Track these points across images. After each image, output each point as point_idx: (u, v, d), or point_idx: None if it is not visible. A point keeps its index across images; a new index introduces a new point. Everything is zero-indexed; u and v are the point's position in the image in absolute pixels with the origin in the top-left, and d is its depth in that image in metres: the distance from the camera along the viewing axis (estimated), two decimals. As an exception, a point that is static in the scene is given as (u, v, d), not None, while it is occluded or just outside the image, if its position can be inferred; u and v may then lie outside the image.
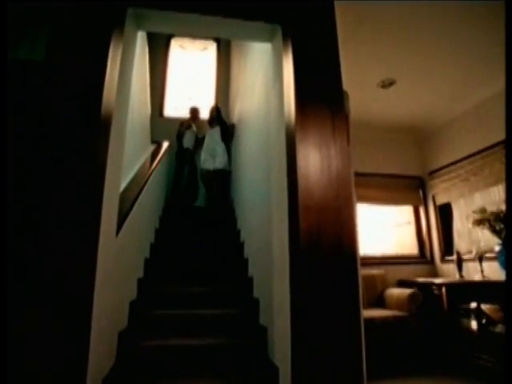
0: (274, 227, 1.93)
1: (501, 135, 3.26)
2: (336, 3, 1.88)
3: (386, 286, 3.77)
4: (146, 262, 2.79)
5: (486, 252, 3.37)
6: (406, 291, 3.36)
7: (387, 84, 3.31)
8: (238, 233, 3.61)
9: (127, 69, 1.90)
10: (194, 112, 5.09)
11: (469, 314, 2.91)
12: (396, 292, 3.53)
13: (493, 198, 3.41)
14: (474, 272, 3.47)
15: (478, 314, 2.82)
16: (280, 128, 1.84)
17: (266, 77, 2.50)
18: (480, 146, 3.60)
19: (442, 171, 4.16)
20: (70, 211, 1.25)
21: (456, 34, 2.67)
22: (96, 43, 1.50)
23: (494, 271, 3.25)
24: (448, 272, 3.93)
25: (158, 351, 1.88)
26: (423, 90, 3.48)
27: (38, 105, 1.34)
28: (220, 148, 4.54)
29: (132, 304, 2.21)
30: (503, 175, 3.19)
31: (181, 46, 6.25)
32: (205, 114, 5.15)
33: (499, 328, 2.62)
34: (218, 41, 6.31)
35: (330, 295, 1.37)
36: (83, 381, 1.19)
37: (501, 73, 3.08)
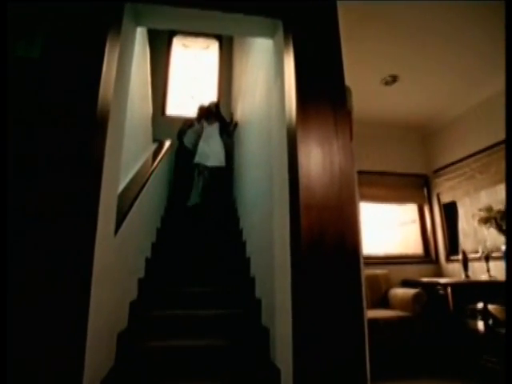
0: (275, 226, 1.90)
1: (507, 132, 3.20)
2: (339, 2, 1.85)
3: (390, 285, 3.73)
4: (147, 261, 2.77)
5: (492, 251, 3.31)
6: (411, 291, 3.31)
7: (390, 81, 3.26)
8: (240, 232, 3.58)
9: (126, 66, 1.87)
10: (202, 110, 4.99)
11: (475, 314, 2.85)
12: (400, 292, 3.48)
13: (499, 196, 3.35)
14: (480, 272, 3.41)
15: (485, 314, 2.76)
16: (281, 125, 1.81)
17: (268, 74, 2.47)
18: (486, 144, 3.54)
19: (447, 169, 4.10)
20: (65, 210, 1.22)
21: (461, 29, 2.62)
22: (92, 39, 1.47)
23: (500, 271, 3.19)
24: (453, 272, 3.88)
25: (158, 352, 1.85)
26: (427, 87, 3.42)
27: (31, 103, 1.31)
28: (218, 145, 4.51)
29: (132, 304, 2.18)
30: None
31: (183, 45, 6.22)
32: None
33: (506, 329, 2.56)
34: (220, 39, 6.28)
35: (332, 295, 1.33)
36: (79, 382, 1.16)
37: (507, 69, 3.02)
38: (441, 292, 3.17)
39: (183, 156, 4.72)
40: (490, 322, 2.72)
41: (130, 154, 2.65)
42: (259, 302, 2.28)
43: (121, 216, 1.93)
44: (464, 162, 3.83)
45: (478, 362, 2.74)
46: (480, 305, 2.84)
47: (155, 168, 3.21)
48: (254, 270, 2.66)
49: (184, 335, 2.04)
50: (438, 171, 4.27)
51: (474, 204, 3.67)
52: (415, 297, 3.20)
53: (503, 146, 3.32)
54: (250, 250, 2.99)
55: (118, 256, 1.85)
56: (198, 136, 4.76)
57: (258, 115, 2.91)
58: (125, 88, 1.90)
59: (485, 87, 3.40)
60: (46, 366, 1.11)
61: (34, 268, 1.15)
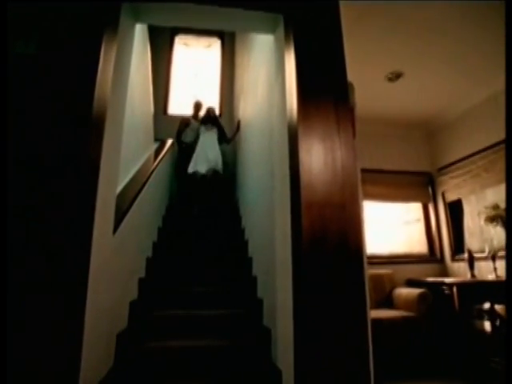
0: (276, 225, 1.87)
1: (514, 129, 3.13)
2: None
3: (395, 285, 3.67)
4: (148, 261, 2.75)
5: (499, 250, 3.25)
6: (415, 291, 3.26)
7: (394, 77, 3.21)
8: (242, 231, 3.55)
9: (124, 63, 1.84)
10: (198, 107, 4.97)
11: (482, 314, 2.80)
12: (404, 292, 3.43)
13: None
14: (486, 271, 3.35)
15: (492, 315, 2.71)
16: (282, 122, 1.77)
17: (269, 71, 2.43)
18: (492, 141, 3.47)
19: (452, 167, 4.03)
20: (60, 209, 1.19)
21: (466, 27, 2.58)
22: (88, 36, 1.44)
23: (507, 270, 3.13)
24: (459, 271, 3.82)
25: (158, 353, 1.83)
26: (432, 83, 3.37)
27: (25, 102, 1.28)
28: (215, 152, 4.38)
29: (132, 304, 2.16)
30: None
31: (185, 44, 6.20)
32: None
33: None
34: (222, 38, 6.25)
35: (334, 295, 1.29)
36: (75, 383, 1.13)
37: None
38: (446, 292, 3.11)
39: (184, 156, 4.65)
40: (497, 322, 2.66)
41: (130, 153, 2.63)
42: (261, 302, 2.25)
43: (120, 215, 1.91)
44: (469, 160, 3.77)
45: (484, 363, 2.69)
46: (487, 305, 2.78)
47: (156, 167, 3.19)
48: (256, 269, 2.63)
49: (184, 335, 2.02)
50: (442, 169, 4.20)
51: (479, 202, 3.60)
52: (420, 297, 3.15)
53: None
54: (251, 249, 2.96)
55: (117, 255, 1.83)
56: (197, 134, 4.66)
57: (260, 113, 2.88)
58: (123, 86, 1.87)
59: (491, 84, 3.34)
60: (39, 366, 1.09)
61: (28, 267, 1.12)
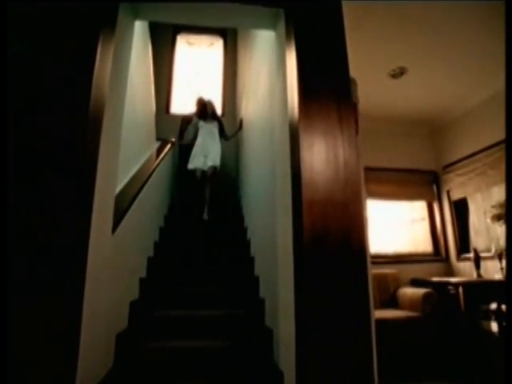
0: (278, 223, 1.84)
1: (521, 126, 3.08)
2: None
3: (399, 285, 3.63)
4: (150, 260, 2.73)
5: (506, 249, 3.19)
6: (420, 291, 3.21)
7: (398, 73, 3.15)
8: (244, 231, 3.52)
9: (123, 61, 1.82)
10: (201, 104, 4.86)
11: (489, 315, 2.75)
12: (409, 292, 3.39)
13: (512, 192, 3.23)
14: (492, 271, 3.30)
15: (499, 315, 2.66)
16: (283, 119, 1.74)
17: (271, 68, 2.40)
18: (498, 138, 3.41)
19: (457, 165, 3.98)
20: (56, 208, 1.17)
21: (471, 22, 2.53)
22: (85, 32, 1.41)
23: (514, 270, 3.07)
24: (464, 271, 3.76)
25: (158, 353, 1.80)
26: (437, 80, 3.31)
27: (20, 100, 1.26)
28: (216, 146, 4.23)
29: (133, 304, 2.14)
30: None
31: (187, 42, 6.18)
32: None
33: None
34: (224, 36, 6.22)
35: (336, 295, 1.26)
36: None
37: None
38: (452, 292, 3.06)
39: (185, 156, 4.57)
40: (504, 323, 2.61)
41: (131, 152, 2.61)
42: (263, 302, 2.22)
43: (120, 214, 1.89)
44: (475, 157, 3.71)
45: (491, 365, 2.64)
46: (493, 305, 2.73)
47: (157, 166, 3.17)
48: (258, 269, 2.60)
49: (185, 336, 1.99)
50: (447, 167, 4.15)
51: (485, 200, 3.54)
52: (425, 297, 3.10)
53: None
54: (253, 248, 2.93)
55: (116, 255, 1.81)
56: (197, 129, 4.49)
57: (261, 111, 2.84)
58: (122, 83, 1.85)
59: (497, 82, 3.28)
60: (34, 367, 1.06)
61: (21, 265, 1.10)
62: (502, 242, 3.26)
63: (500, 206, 3.14)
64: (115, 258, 1.78)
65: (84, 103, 1.30)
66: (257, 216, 2.81)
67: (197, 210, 3.94)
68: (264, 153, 2.59)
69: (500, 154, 3.40)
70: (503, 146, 3.35)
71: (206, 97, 4.78)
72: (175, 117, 5.46)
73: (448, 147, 4.17)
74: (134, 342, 1.87)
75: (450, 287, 3.10)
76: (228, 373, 1.76)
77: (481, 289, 3.04)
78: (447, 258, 4.06)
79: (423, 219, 4.30)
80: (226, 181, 4.99)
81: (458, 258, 3.91)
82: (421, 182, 4.26)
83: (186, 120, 4.73)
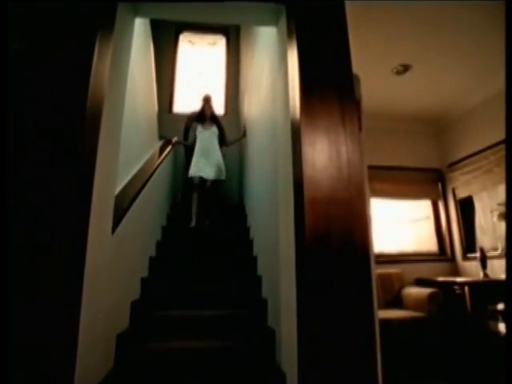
0: (280, 222, 1.82)
1: (528, 122, 3.02)
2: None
3: (404, 285, 3.59)
4: (151, 260, 2.71)
5: (512, 248, 3.14)
6: (425, 291, 3.17)
7: (402, 70, 3.11)
8: (247, 230, 3.49)
9: (122, 59, 1.80)
10: (207, 100, 4.77)
11: (496, 315, 2.70)
12: (414, 291, 3.34)
13: (519, 190, 3.17)
14: (499, 270, 3.24)
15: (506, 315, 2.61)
16: (285, 116, 1.72)
17: (272, 65, 2.38)
18: (504, 135, 3.34)
19: (463, 163, 3.92)
20: (53, 207, 1.15)
21: (476, 20, 2.49)
22: (82, 29, 1.39)
23: (521, 269, 3.02)
24: (470, 270, 3.71)
25: (159, 354, 1.78)
26: (442, 77, 3.26)
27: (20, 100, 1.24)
28: (216, 155, 3.88)
29: (134, 304, 2.12)
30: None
31: (189, 42, 6.16)
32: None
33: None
34: (227, 35, 6.19)
35: (339, 295, 1.23)
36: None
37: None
38: (457, 292, 3.02)
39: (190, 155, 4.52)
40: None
41: (132, 151, 2.59)
42: (265, 302, 2.20)
43: (120, 214, 1.87)
44: (481, 155, 3.65)
45: (497, 366, 2.59)
46: (501, 305, 2.68)
47: (159, 165, 3.15)
48: (261, 268, 2.57)
49: (186, 336, 1.97)
50: (452, 165, 4.09)
51: (492, 199, 3.49)
52: (431, 296, 3.06)
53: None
54: (256, 248, 2.91)
55: (117, 254, 1.79)
56: (195, 135, 4.26)
57: (263, 109, 2.82)
58: (122, 81, 1.83)
59: (502, 79, 3.22)
60: (32, 367, 1.05)
61: (17, 266, 1.08)
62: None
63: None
64: (115, 258, 1.76)
65: (81, 101, 1.28)
66: (259, 215, 2.79)
67: (194, 223, 3.62)
68: (266, 151, 2.57)
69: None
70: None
71: (211, 93, 4.65)
72: (178, 116, 5.45)
73: (453, 145, 4.11)
74: (134, 342, 1.86)
75: (456, 287, 3.06)
76: (229, 374, 1.74)
77: (487, 289, 2.99)
78: (453, 258, 4.01)
79: (428, 218, 4.25)
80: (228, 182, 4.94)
81: (464, 258, 3.86)
82: (425, 181, 4.21)
83: (191, 118, 4.63)
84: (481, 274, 3.33)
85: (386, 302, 3.39)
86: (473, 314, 2.86)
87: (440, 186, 4.24)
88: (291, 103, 1.58)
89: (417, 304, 3.16)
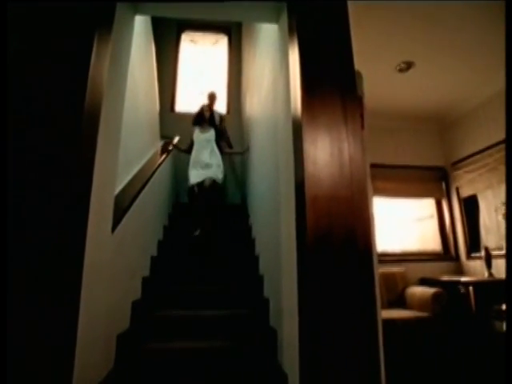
0: (282, 221, 1.80)
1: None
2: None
3: (407, 284, 3.55)
4: (153, 259, 2.70)
5: (518, 247, 3.10)
6: (429, 290, 3.13)
7: (405, 67, 3.07)
8: (249, 229, 3.48)
9: (122, 56, 1.79)
10: (212, 98, 4.71)
11: (501, 315, 2.66)
12: (418, 291, 3.31)
13: (525, 188, 3.13)
14: (504, 270, 3.20)
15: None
16: (287, 113, 1.70)
17: (274, 63, 2.36)
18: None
19: (467, 161, 3.87)
20: (50, 207, 1.14)
21: (480, 20, 2.46)
22: (81, 27, 1.37)
23: (527, 268, 2.97)
24: (475, 270, 3.66)
25: (160, 354, 1.77)
26: (445, 74, 3.22)
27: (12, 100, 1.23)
28: (216, 158, 3.66)
29: (135, 304, 2.11)
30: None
31: (191, 41, 6.15)
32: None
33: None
34: (229, 34, 6.18)
35: (341, 295, 1.21)
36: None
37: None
38: (462, 291, 2.98)
39: None
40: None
41: (133, 150, 2.58)
42: (267, 301, 2.18)
43: (120, 213, 1.86)
44: (486, 153, 3.60)
45: (503, 367, 2.55)
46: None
47: (160, 165, 3.14)
48: (263, 268, 2.55)
49: (187, 336, 1.95)
50: (456, 163, 4.05)
51: (496, 197, 3.44)
52: (435, 296, 3.03)
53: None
54: (258, 247, 2.89)
55: (117, 254, 1.78)
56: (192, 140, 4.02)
57: (265, 108, 2.80)
58: (121, 80, 1.81)
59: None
60: (29, 367, 1.04)
61: (16, 266, 1.07)
62: (515, 240, 3.16)
63: (512, 202, 3.04)
64: (116, 257, 1.75)
65: (80, 100, 1.26)
66: (261, 214, 2.77)
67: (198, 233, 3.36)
68: (268, 149, 2.55)
69: None
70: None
71: (215, 91, 4.56)
72: (180, 115, 5.44)
73: (457, 143, 4.07)
74: (135, 342, 1.84)
75: (461, 287, 3.02)
76: (231, 375, 1.72)
77: (492, 288, 2.95)
78: (457, 257, 3.97)
79: (432, 217, 4.21)
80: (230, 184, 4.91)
81: (468, 257, 3.81)
82: (429, 179, 4.17)
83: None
84: (485, 274, 3.29)
85: (390, 301, 3.36)
86: (477, 314, 2.82)
87: (444, 184, 4.20)
88: (292, 101, 1.56)
89: (421, 304, 3.12)
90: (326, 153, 1.33)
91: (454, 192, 4.08)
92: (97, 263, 1.40)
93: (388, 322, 2.72)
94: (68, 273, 1.13)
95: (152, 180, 2.72)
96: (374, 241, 1.40)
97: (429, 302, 3.03)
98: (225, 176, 3.89)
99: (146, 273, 2.54)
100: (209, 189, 3.50)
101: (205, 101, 4.33)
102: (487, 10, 2.41)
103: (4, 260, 1.06)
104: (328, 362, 1.17)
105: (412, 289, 3.43)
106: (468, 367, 2.78)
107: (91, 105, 1.31)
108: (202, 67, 6.08)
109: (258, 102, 3.31)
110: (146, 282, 2.40)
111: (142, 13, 2.03)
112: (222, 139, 4.02)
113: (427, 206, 4.25)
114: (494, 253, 3.32)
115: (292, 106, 1.56)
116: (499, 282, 3.05)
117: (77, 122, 1.24)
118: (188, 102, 5.71)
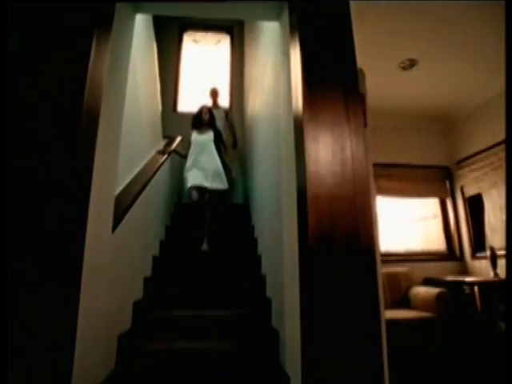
0: (284, 221, 1.78)
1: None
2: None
3: (411, 284, 3.52)
4: (155, 259, 2.69)
5: (524, 247, 3.06)
6: (434, 290, 3.10)
7: (408, 65, 3.04)
8: (252, 229, 3.46)
9: (122, 56, 1.78)
10: (215, 93, 4.59)
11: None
12: (422, 291, 3.28)
13: (531, 187, 3.09)
14: (510, 269, 3.16)
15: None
16: (288, 111, 1.68)
17: (276, 61, 2.34)
18: (515, 131, 3.27)
19: (472, 160, 3.83)
20: (49, 207, 1.13)
21: (483, 19, 2.43)
22: (79, 26, 1.36)
23: (533, 268, 2.93)
24: (480, 270, 3.62)
25: (161, 355, 1.76)
26: (450, 71, 3.18)
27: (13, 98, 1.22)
28: (215, 161, 3.50)
29: (136, 304, 2.10)
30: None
31: (194, 40, 6.14)
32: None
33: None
34: (231, 33, 6.17)
35: (344, 295, 1.19)
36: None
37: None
38: (467, 292, 2.95)
39: None
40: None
41: (135, 150, 2.57)
42: (269, 302, 2.16)
43: (121, 213, 1.85)
44: (490, 151, 3.57)
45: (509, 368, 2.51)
46: (511, 305, 2.60)
47: (162, 164, 3.13)
48: (265, 268, 2.54)
49: (188, 337, 1.94)
50: (461, 162, 4.01)
51: (502, 196, 3.40)
52: (439, 296, 2.99)
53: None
54: (261, 247, 2.87)
55: (118, 254, 1.77)
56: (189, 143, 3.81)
57: (267, 106, 2.78)
58: (122, 79, 1.80)
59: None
60: (31, 367, 1.03)
61: (15, 266, 1.06)
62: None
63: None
64: (116, 257, 1.74)
65: (79, 99, 1.25)
66: (264, 214, 2.75)
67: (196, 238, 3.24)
68: (270, 148, 2.53)
69: (517, 148, 3.25)
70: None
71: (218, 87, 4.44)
72: (182, 115, 5.44)
73: (462, 142, 4.03)
74: (136, 343, 1.83)
75: (465, 287, 2.99)
76: (232, 375, 1.70)
77: (498, 289, 2.91)
78: (461, 257, 3.93)
79: (436, 216, 4.17)
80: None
81: (473, 257, 3.77)
82: (433, 178, 4.13)
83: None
84: (491, 274, 3.25)
85: (394, 301, 3.33)
86: (483, 315, 2.79)
87: (448, 183, 4.16)
88: (294, 98, 1.54)
89: (425, 304, 3.09)
90: (327, 150, 1.31)
91: (459, 191, 4.04)
92: (97, 263, 1.39)
93: (392, 323, 2.69)
94: (67, 273, 1.12)
95: (153, 180, 2.71)
96: (378, 240, 1.38)
97: (433, 302, 3.00)
98: (230, 179, 3.75)
99: (148, 273, 2.53)
100: (209, 202, 3.38)
101: (206, 101, 4.31)
102: (491, 8, 2.38)
103: (4, 260, 1.06)
104: (331, 363, 1.15)
105: (416, 289, 3.39)
106: (472, 368, 2.74)
107: (90, 104, 1.30)
108: (204, 67, 6.07)
109: (260, 100, 3.30)
110: (147, 282, 2.39)
111: (142, 12, 2.02)
112: (220, 141, 3.96)
113: (431, 205, 4.21)
114: (500, 252, 3.28)
115: (293, 102, 1.55)
116: (505, 282, 3.01)
117: (76, 122, 1.23)
118: (190, 101, 5.71)
